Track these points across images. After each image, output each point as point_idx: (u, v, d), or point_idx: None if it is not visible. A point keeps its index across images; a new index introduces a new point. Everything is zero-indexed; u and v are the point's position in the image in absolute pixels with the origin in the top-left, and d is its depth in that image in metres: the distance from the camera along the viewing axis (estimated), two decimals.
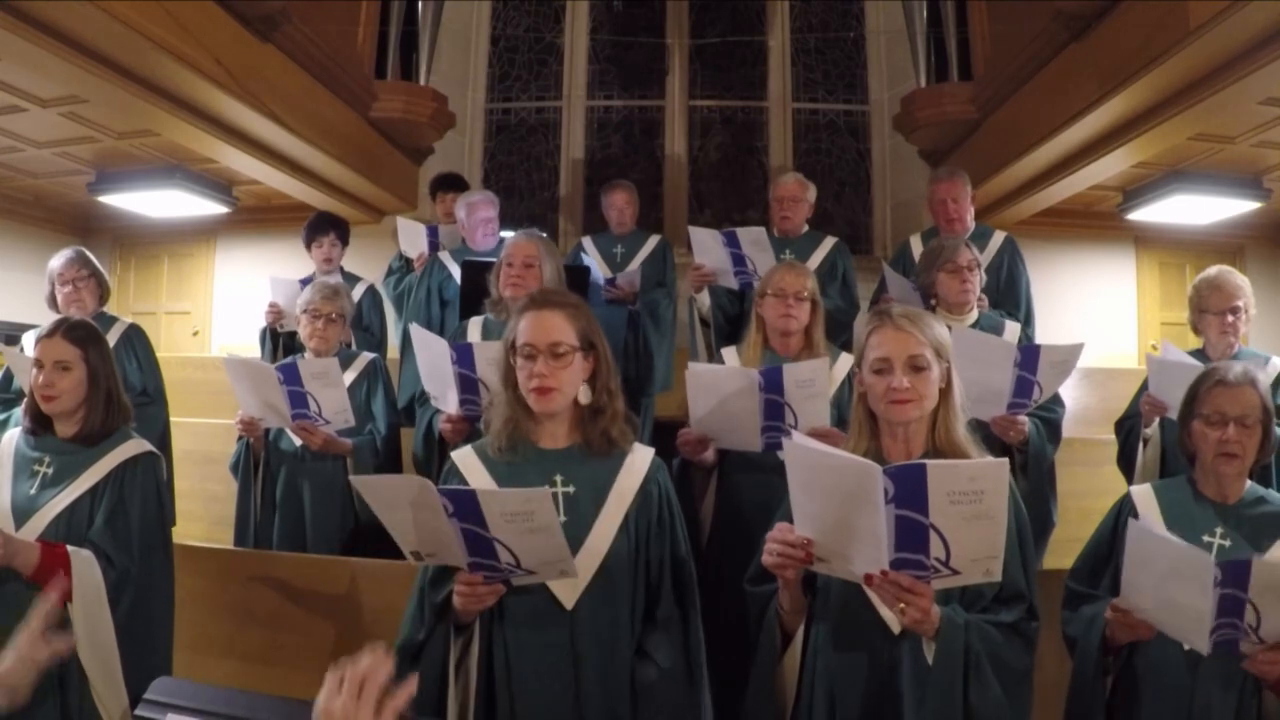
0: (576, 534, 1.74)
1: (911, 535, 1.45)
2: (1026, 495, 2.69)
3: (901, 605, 1.51)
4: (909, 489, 1.42)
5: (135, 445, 2.27)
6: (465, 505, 1.57)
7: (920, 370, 1.68)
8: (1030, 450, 2.77)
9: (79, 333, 2.25)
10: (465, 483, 1.82)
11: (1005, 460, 1.44)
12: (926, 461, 1.43)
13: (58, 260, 3.50)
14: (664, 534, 1.84)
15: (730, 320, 3.96)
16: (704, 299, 3.95)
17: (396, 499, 1.63)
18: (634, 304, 4.20)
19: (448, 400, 2.62)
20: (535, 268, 2.74)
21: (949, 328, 1.84)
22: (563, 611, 1.72)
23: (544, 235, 2.90)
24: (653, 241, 4.57)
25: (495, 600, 1.68)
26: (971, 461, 1.52)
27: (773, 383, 2.43)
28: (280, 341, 4.32)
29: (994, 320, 3.20)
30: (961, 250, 3.09)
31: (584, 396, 1.81)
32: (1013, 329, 3.13)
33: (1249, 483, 1.99)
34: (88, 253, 3.57)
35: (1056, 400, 2.90)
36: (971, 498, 1.41)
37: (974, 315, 3.13)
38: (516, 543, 1.60)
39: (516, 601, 1.72)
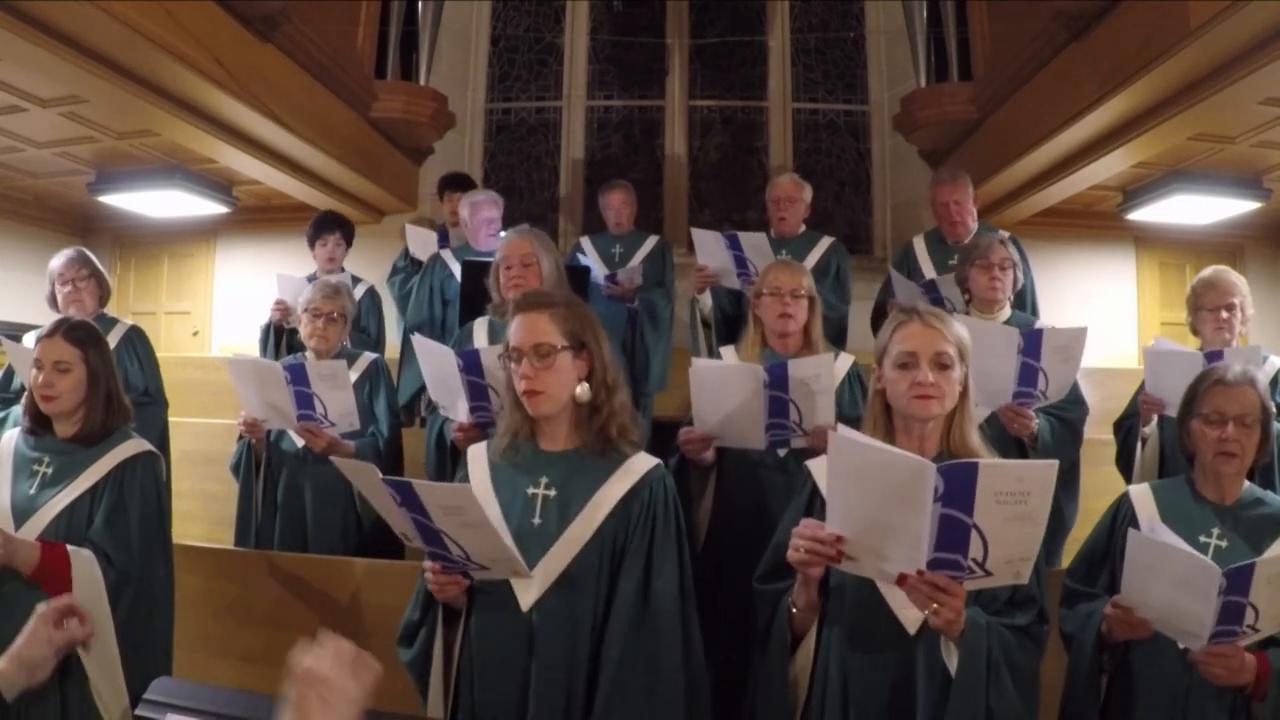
0: (547, 538, 1.73)
1: (953, 535, 1.43)
2: None
3: (934, 606, 1.48)
4: (958, 488, 1.40)
5: (135, 445, 2.27)
6: (407, 495, 1.60)
7: (945, 368, 1.69)
8: (1040, 448, 2.73)
9: (79, 333, 2.24)
10: (469, 477, 1.84)
11: (1054, 462, 1.42)
12: (979, 460, 1.42)
13: (58, 260, 3.50)
14: (639, 555, 1.71)
15: (729, 321, 3.96)
16: (706, 300, 3.95)
17: (370, 486, 1.69)
18: (632, 302, 4.20)
19: (457, 409, 2.59)
20: (534, 265, 2.71)
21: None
22: (519, 610, 1.71)
23: (537, 230, 2.87)
24: (651, 242, 4.56)
25: (457, 590, 1.71)
26: (1021, 462, 1.50)
27: (778, 379, 2.41)
28: (284, 339, 4.32)
29: (1025, 320, 3.18)
30: (995, 248, 3.10)
31: (583, 394, 1.79)
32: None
33: (1247, 483, 1.99)
34: (88, 253, 3.57)
35: (1075, 401, 2.87)
36: (1018, 498, 1.39)
37: (1006, 313, 3.13)
38: (459, 536, 1.62)
39: (485, 595, 1.74)
